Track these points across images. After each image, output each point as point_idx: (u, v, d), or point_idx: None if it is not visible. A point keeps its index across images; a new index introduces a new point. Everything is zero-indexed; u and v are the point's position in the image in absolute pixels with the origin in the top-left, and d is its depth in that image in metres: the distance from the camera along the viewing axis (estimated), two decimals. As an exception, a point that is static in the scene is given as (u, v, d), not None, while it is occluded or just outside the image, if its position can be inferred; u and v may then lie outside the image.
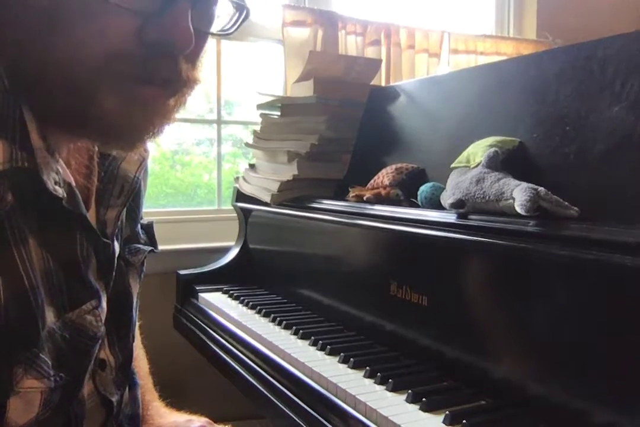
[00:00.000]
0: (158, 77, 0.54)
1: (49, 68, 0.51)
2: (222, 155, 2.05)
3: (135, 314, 0.76)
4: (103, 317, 0.62)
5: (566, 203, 0.77)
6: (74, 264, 0.58)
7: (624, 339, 0.66)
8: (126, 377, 0.73)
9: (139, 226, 0.79)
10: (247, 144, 1.67)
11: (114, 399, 0.67)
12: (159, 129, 0.58)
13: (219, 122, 2.01)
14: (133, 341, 0.75)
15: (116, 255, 0.67)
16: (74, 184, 0.58)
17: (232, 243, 1.70)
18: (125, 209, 0.71)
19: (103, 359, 0.67)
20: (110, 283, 0.65)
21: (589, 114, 0.87)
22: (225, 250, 1.69)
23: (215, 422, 0.92)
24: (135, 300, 0.74)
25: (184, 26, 0.53)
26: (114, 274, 0.66)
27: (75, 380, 0.58)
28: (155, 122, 0.57)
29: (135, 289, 0.74)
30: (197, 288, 1.52)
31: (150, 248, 0.78)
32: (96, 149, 0.66)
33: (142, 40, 0.52)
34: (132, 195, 0.70)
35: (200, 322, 1.38)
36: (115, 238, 0.67)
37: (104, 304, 0.62)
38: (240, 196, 1.65)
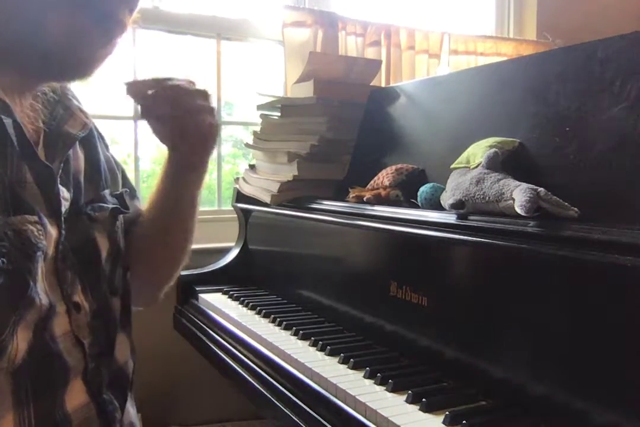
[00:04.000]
0: (103, 9, 0.64)
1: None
2: (222, 156, 2.06)
3: (108, 268, 0.79)
4: (47, 237, 0.66)
5: (566, 204, 0.77)
6: (5, 176, 0.62)
7: (624, 339, 0.66)
8: (104, 326, 0.76)
9: (107, 192, 0.83)
10: (247, 145, 1.67)
11: (86, 341, 0.71)
12: (86, 72, 0.67)
13: (219, 122, 2.01)
14: (113, 294, 0.79)
15: (62, 197, 0.70)
16: (8, 102, 0.63)
17: (232, 244, 1.70)
18: (80, 168, 0.77)
19: (77, 302, 0.71)
20: (61, 224, 0.69)
21: (589, 114, 0.87)
22: (225, 251, 1.70)
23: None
24: (104, 254, 0.78)
25: None
26: (62, 213, 0.70)
27: (18, 275, 0.61)
28: (91, 60, 0.66)
29: (103, 245, 0.79)
30: (197, 289, 1.52)
31: (114, 206, 0.83)
32: (39, 106, 0.71)
33: None
34: (72, 146, 0.75)
35: (200, 323, 1.38)
36: (63, 185, 0.71)
37: (50, 229, 0.67)
38: (240, 197, 1.65)
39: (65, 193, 0.72)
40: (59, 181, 0.70)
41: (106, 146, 0.89)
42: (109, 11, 0.65)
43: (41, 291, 0.65)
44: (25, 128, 0.66)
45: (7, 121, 0.63)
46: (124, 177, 0.94)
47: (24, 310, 0.62)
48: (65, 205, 0.71)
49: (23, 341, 0.62)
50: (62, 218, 0.70)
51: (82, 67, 0.67)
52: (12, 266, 0.60)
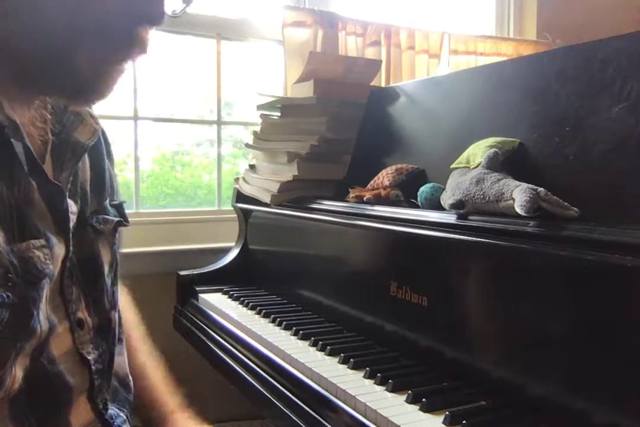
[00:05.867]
0: (137, 42, 0.63)
1: (38, 34, 0.58)
2: (222, 156, 2.06)
3: (112, 284, 0.79)
4: (54, 258, 0.65)
5: (566, 204, 0.77)
6: (12, 198, 0.61)
7: (624, 339, 0.66)
8: (105, 340, 0.76)
9: (108, 202, 0.82)
10: (247, 145, 1.67)
11: (90, 357, 0.71)
12: (109, 91, 0.65)
13: (219, 122, 2.02)
14: (112, 308, 0.78)
15: (70, 211, 0.69)
16: (19, 122, 0.62)
17: (232, 244, 1.70)
18: (87, 178, 0.76)
19: (81, 319, 0.70)
20: (69, 240, 0.68)
21: (589, 114, 0.87)
22: (225, 251, 1.70)
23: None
24: (107, 268, 0.77)
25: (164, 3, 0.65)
26: (70, 229, 0.69)
27: (23, 307, 0.60)
28: (110, 82, 0.64)
29: (106, 258, 0.78)
30: (197, 289, 1.52)
31: (119, 219, 0.82)
32: (49, 116, 0.70)
33: (132, 16, 0.62)
34: (82, 157, 0.74)
35: (200, 322, 1.38)
36: (71, 198, 0.70)
37: (57, 250, 0.66)
38: (240, 197, 1.65)
39: (73, 207, 0.70)
40: (67, 195, 0.69)
41: (109, 154, 0.86)
42: (136, 39, 0.63)
43: (43, 317, 0.63)
44: (33, 140, 0.65)
45: (17, 144, 0.62)
46: (116, 187, 0.93)
47: (25, 341, 0.61)
48: (73, 220, 0.70)
49: (20, 369, 0.60)
50: (71, 234, 0.68)
51: (106, 91, 0.65)
52: (17, 299, 0.59)
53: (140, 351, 0.96)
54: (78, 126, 0.73)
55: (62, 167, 0.69)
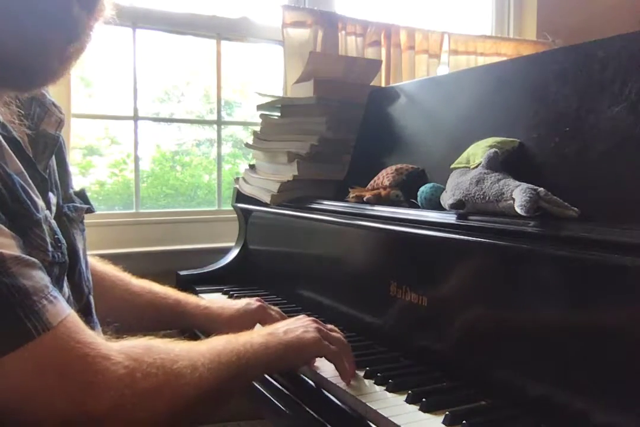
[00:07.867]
0: (51, 11, 0.60)
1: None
2: (222, 156, 2.06)
3: (86, 268, 0.81)
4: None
5: (566, 204, 0.77)
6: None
7: (624, 339, 0.66)
8: (88, 323, 0.77)
9: (72, 192, 0.84)
10: (247, 145, 1.67)
11: None
12: (57, 73, 0.64)
13: (219, 122, 2.02)
14: (89, 293, 0.81)
15: (52, 203, 0.72)
16: (5, 122, 0.65)
17: (232, 244, 1.70)
18: (55, 168, 0.78)
19: None
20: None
21: (589, 114, 0.87)
22: (225, 251, 1.70)
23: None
24: (81, 255, 0.80)
25: None
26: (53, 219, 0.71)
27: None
28: (52, 65, 0.63)
29: (80, 244, 0.81)
30: (197, 289, 1.52)
31: (87, 206, 0.85)
32: (21, 111, 0.70)
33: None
34: (55, 150, 0.76)
35: (200, 322, 1.37)
36: (50, 189, 0.72)
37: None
38: (240, 197, 1.65)
39: (52, 198, 0.73)
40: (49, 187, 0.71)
41: (63, 141, 0.87)
42: (58, 12, 0.60)
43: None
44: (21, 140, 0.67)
45: (12, 137, 0.64)
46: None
47: None
48: (53, 211, 0.72)
49: None
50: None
51: (47, 74, 0.64)
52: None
53: (125, 279, 1.05)
54: (44, 117, 0.74)
55: (38, 160, 0.71)
